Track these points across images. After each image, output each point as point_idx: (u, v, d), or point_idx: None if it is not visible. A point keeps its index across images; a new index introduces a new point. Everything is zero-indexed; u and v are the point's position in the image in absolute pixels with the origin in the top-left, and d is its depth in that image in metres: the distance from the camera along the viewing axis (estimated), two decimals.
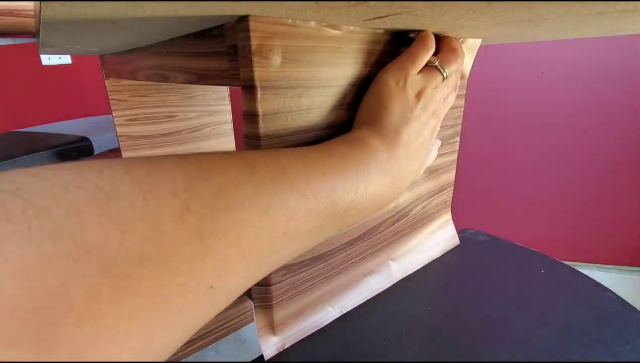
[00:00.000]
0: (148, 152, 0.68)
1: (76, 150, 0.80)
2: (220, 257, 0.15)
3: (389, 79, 0.27)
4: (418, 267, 0.42)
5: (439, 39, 0.31)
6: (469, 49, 0.38)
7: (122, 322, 0.12)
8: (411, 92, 0.27)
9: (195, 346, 0.86)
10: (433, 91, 0.28)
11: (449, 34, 0.34)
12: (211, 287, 0.15)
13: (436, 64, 0.29)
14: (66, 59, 1.25)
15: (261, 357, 0.30)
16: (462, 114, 0.43)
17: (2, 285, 0.09)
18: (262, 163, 0.19)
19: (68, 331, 0.10)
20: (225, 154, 0.18)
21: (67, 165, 0.13)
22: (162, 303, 0.13)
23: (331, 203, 0.20)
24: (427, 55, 0.29)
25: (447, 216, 0.48)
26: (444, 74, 0.29)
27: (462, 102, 0.42)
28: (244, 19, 0.22)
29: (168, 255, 0.13)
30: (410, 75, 0.27)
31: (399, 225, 0.40)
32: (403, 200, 0.39)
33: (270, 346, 0.31)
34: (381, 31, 0.29)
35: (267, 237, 0.17)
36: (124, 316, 0.12)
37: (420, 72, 0.28)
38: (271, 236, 0.18)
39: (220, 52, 0.26)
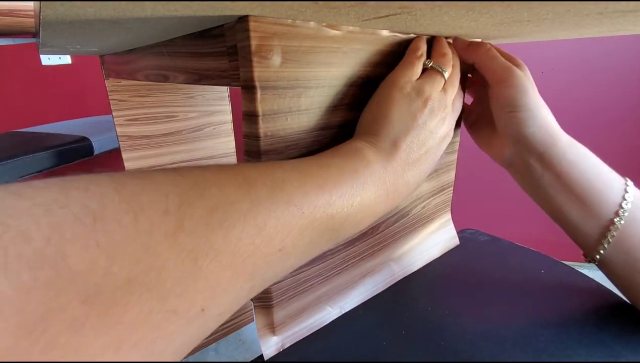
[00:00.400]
0: (148, 152, 0.68)
1: (76, 150, 0.80)
2: (214, 278, 0.15)
3: (392, 88, 0.27)
4: (418, 267, 0.42)
5: (431, 44, 0.32)
6: None
7: (106, 354, 0.11)
8: (417, 98, 0.27)
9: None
10: (439, 95, 0.28)
11: (449, 34, 0.34)
12: (203, 309, 0.14)
13: (432, 65, 0.29)
14: (66, 59, 1.25)
15: (261, 356, 0.30)
16: (461, 113, 0.43)
17: None
18: (258, 177, 0.18)
19: None
20: (220, 167, 0.18)
21: (52, 181, 0.12)
22: (150, 331, 0.12)
23: (327, 217, 0.20)
24: (420, 60, 0.29)
25: (447, 216, 0.48)
26: (444, 74, 0.29)
27: (462, 100, 0.42)
28: (243, 19, 0.22)
29: (159, 278, 0.13)
30: (411, 81, 0.28)
31: (398, 225, 0.40)
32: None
33: (270, 346, 0.31)
34: (380, 31, 0.29)
35: (262, 254, 0.17)
36: (109, 347, 0.11)
37: (420, 77, 0.28)
38: (266, 253, 0.17)
39: (220, 52, 0.26)
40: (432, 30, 0.31)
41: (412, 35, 0.32)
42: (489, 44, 0.35)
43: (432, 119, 0.27)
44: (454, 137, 0.43)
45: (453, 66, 0.31)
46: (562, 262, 0.43)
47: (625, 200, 0.30)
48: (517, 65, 0.34)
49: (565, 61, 0.98)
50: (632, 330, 0.32)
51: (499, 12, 0.23)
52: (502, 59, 0.33)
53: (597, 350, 0.30)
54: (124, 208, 0.12)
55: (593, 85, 0.98)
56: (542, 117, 0.32)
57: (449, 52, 0.31)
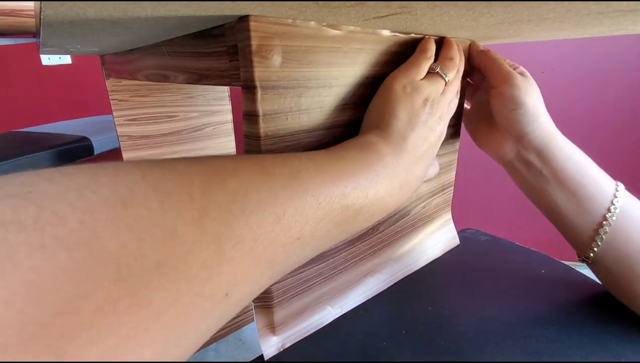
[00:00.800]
0: (149, 152, 0.68)
1: (76, 150, 0.80)
2: (236, 263, 0.15)
3: (396, 85, 0.28)
4: (418, 267, 0.42)
5: (440, 46, 0.33)
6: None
7: (137, 334, 0.11)
8: (417, 97, 0.28)
9: None
10: (439, 97, 0.29)
11: (449, 34, 0.34)
12: (226, 294, 0.15)
13: (437, 70, 0.30)
14: (66, 59, 1.25)
15: (261, 356, 0.30)
16: (462, 113, 0.43)
17: (13, 300, 0.09)
18: (276, 167, 0.18)
19: (82, 346, 0.10)
20: (239, 157, 0.18)
21: (82, 168, 0.13)
22: (178, 313, 0.13)
23: (342, 208, 0.20)
24: (428, 63, 0.30)
25: (447, 216, 0.48)
26: (446, 79, 0.30)
27: (462, 101, 0.42)
28: (244, 19, 0.22)
29: (186, 262, 0.13)
30: (415, 81, 0.28)
31: (399, 225, 0.40)
32: None
33: (271, 346, 0.31)
34: (381, 31, 0.29)
35: (281, 243, 0.17)
36: (140, 327, 0.11)
37: (424, 78, 0.30)
38: (285, 241, 0.17)
39: (221, 52, 0.26)
40: (433, 30, 0.31)
41: (413, 35, 0.32)
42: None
43: (431, 116, 0.28)
44: (454, 137, 0.43)
45: (457, 70, 0.32)
46: (562, 262, 0.43)
47: (617, 197, 0.32)
48: (521, 72, 0.36)
49: (565, 61, 0.98)
50: (632, 331, 0.32)
51: (500, 12, 0.23)
52: (508, 65, 0.36)
53: (597, 350, 0.30)
54: (151, 195, 0.13)
55: (593, 85, 0.98)
56: (541, 117, 0.35)
57: (456, 56, 0.32)
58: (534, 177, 0.36)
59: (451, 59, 0.31)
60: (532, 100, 0.34)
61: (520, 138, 0.35)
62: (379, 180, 0.23)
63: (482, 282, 0.40)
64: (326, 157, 0.22)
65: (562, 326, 0.32)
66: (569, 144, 0.35)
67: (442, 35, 0.34)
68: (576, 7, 0.21)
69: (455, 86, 0.32)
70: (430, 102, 0.28)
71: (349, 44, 0.27)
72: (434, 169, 0.34)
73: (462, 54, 0.35)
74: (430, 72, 0.30)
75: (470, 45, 0.38)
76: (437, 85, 0.29)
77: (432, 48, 0.31)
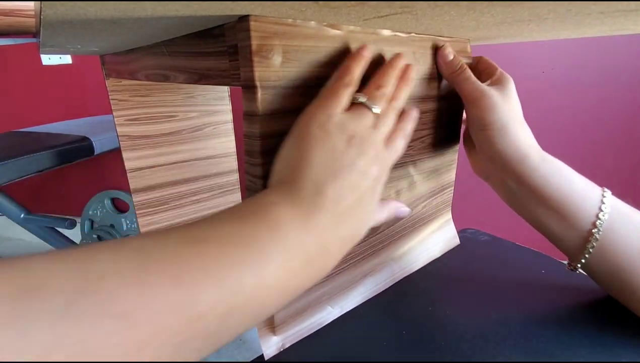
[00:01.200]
0: (148, 152, 0.68)
1: (76, 150, 0.80)
2: None
3: (310, 122, 0.23)
4: (418, 267, 0.42)
5: (371, 69, 0.27)
6: None
7: None
8: (339, 135, 0.22)
9: None
10: (369, 132, 0.24)
11: (450, 34, 0.34)
12: None
13: (360, 100, 0.24)
14: (66, 59, 1.25)
15: (261, 356, 0.30)
16: (462, 113, 0.43)
17: None
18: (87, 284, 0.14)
19: None
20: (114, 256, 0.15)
21: None
22: None
23: (187, 322, 0.15)
24: (347, 90, 0.24)
25: (448, 216, 0.48)
26: (373, 110, 0.24)
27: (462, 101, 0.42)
28: (244, 19, 0.22)
29: None
30: (334, 115, 0.23)
31: (399, 225, 0.40)
32: (403, 200, 0.39)
33: (271, 346, 0.31)
34: (381, 31, 0.29)
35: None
36: None
37: (347, 110, 0.24)
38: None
39: (221, 52, 0.26)
40: (433, 30, 0.31)
41: (414, 35, 0.32)
42: (463, 64, 0.35)
43: (360, 158, 0.23)
44: (455, 137, 0.43)
45: (394, 98, 0.27)
46: (562, 262, 0.43)
47: (602, 211, 0.30)
48: (498, 81, 0.34)
49: (565, 61, 0.98)
50: (633, 332, 0.31)
51: (500, 12, 0.23)
52: (474, 80, 0.34)
53: (597, 350, 0.30)
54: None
55: (593, 85, 0.98)
56: (512, 134, 0.32)
57: (388, 83, 0.26)
58: (513, 195, 0.34)
59: (379, 87, 0.25)
60: (499, 117, 0.32)
61: (492, 158, 0.33)
62: (266, 260, 0.18)
63: (482, 282, 0.40)
64: (175, 243, 0.16)
65: (562, 326, 0.32)
66: (546, 161, 0.32)
67: (437, 38, 0.34)
68: (577, 7, 0.21)
69: (392, 118, 0.26)
70: (359, 140, 0.23)
71: (350, 43, 0.27)
72: (383, 214, 0.28)
73: (406, 75, 0.29)
74: (354, 103, 0.24)
75: (438, 52, 0.34)
76: (364, 119, 0.24)
77: (355, 71, 0.25)
